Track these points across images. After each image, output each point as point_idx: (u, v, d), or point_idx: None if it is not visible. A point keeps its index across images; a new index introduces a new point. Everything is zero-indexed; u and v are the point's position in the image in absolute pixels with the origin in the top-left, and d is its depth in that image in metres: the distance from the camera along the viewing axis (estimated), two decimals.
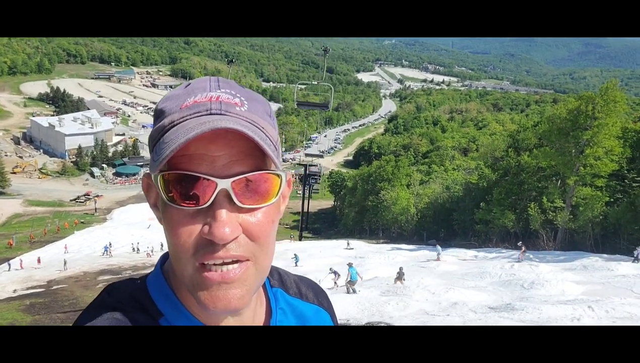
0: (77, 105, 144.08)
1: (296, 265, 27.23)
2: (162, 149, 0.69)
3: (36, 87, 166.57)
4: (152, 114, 0.83)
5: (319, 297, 1.07)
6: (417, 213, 55.98)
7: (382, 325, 13.01)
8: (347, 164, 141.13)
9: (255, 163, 0.73)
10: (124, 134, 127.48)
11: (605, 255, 26.72)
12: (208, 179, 0.70)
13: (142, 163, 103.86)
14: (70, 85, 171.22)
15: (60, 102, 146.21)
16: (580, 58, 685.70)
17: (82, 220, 66.71)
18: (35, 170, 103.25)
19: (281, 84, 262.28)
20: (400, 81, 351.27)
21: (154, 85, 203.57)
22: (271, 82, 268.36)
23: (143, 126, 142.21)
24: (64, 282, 27.76)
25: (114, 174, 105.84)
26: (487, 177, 45.80)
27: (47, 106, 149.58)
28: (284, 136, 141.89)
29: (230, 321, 0.83)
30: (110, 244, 39.96)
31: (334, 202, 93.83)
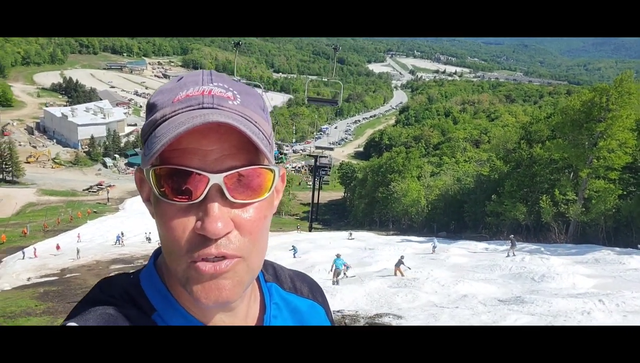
0: (90, 96, 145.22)
1: (294, 257, 27.28)
2: (154, 143, 0.69)
3: (49, 77, 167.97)
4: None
5: (314, 292, 1.06)
6: (428, 205, 55.82)
7: (391, 316, 13.06)
8: (357, 155, 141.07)
9: (248, 157, 0.72)
10: (135, 125, 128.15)
11: (617, 249, 26.51)
12: (200, 174, 0.69)
13: None
14: (83, 76, 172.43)
15: (73, 93, 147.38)
16: (595, 49, 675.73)
17: (94, 210, 67.48)
18: (48, 160, 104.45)
19: (292, 75, 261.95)
20: (411, 72, 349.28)
21: (165, 76, 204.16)
22: (282, 73, 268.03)
23: None
24: (77, 270, 28.11)
25: (126, 164, 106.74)
26: (498, 169, 45.48)
27: (60, 96, 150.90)
28: (294, 127, 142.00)
29: (223, 315, 0.82)
30: (122, 234, 40.35)
31: (344, 193, 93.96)
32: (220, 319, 0.83)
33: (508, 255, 24.50)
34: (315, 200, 51.90)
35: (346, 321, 12.94)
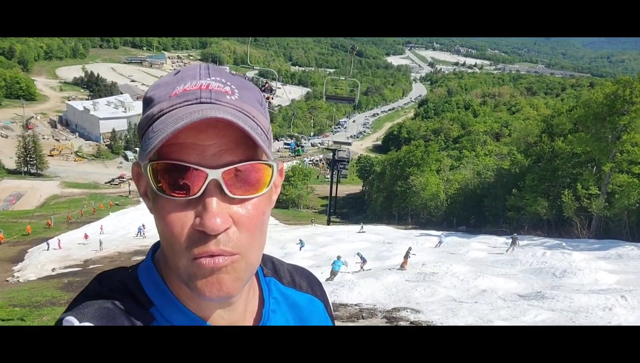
0: (111, 90, 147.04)
1: (300, 251, 27.42)
2: (151, 138, 0.68)
3: (71, 71, 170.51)
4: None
5: (313, 287, 1.05)
6: (447, 199, 55.44)
7: (408, 310, 13.04)
8: (375, 148, 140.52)
9: (246, 153, 0.72)
10: None
11: None
12: (198, 169, 0.69)
13: None
14: (104, 70, 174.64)
15: (95, 86, 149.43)
16: (619, 41, 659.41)
17: (116, 202, 68.46)
18: (71, 153, 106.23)
19: (310, 68, 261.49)
20: (431, 64, 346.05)
21: None
22: (300, 66, 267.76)
23: None
24: (100, 261, 28.62)
25: None
26: (519, 162, 44.93)
27: (82, 90, 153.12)
28: (312, 120, 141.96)
29: (222, 310, 0.82)
30: (143, 226, 40.85)
31: (363, 187, 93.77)
32: (219, 314, 0.82)
33: (507, 251, 24.60)
34: (334, 194, 51.88)
35: (363, 314, 12.97)
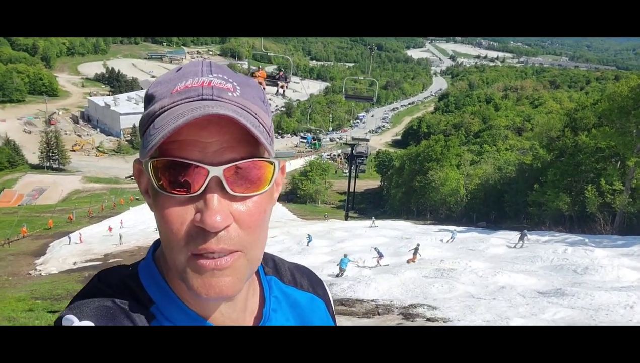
0: (131, 85, 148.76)
1: (308, 246, 27.38)
2: (152, 135, 0.68)
3: (93, 67, 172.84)
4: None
5: (314, 286, 1.05)
6: (467, 194, 54.83)
7: (425, 306, 12.91)
8: (394, 143, 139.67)
9: (248, 150, 0.71)
10: None
11: None
12: (199, 166, 0.68)
13: None
14: (124, 66, 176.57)
15: (115, 82, 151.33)
16: None
17: (136, 197, 69.29)
18: (92, 148, 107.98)
19: (329, 62, 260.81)
20: (452, 58, 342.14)
21: None
22: (319, 61, 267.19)
23: None
24: (120, 255, 29.02)
25: None
26: (541, 157, 44.16)
27: (103, 86, 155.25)
28: (330, 115, 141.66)
29: (222, 308, 0.82)
30: None
31: (381, 182, 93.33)
32: (219, 312, 0.82)
33: (515, 246, 24.49)
34: (352, 189, 51.80)
35: (380, 310, 12.89)
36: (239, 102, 0.71)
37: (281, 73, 26.93)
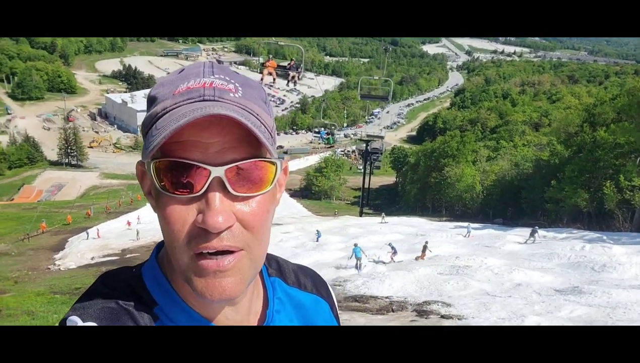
0: (148, 82, 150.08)
1: (317, 241, 27.34)
2: (154, 136, 0.68)
3: (110, 64, 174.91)
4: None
5: (318, 287, 1.05)
6: (483, 190, 54.37)
7: (439, 304, 12.85)
8: (410, 139, 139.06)
9: (250, 150, 0.71)
10: None
11: None
12: (201, 167, 0.68)
13: None
14: (141, 63, 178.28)
15: (132, 79, 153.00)
16: None
17: None
18: (110, 144, 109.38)
19: (344, 58, 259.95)
20: (468, 53, 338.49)
21: (219, 62, 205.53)
22: (333, 57, 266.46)
23: None
24: (137, 250, 29.35)
25: None
26: (559, 153, 43.62)
27: (120, 83, 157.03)
28: (345, 111, 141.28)
29: (226, 310, 0.82)
30: None
31: (396, 178, 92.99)
32: (223, 314, 0.82)
33: (526, 242, 24.44)
34: (366, 185, 51.67)
35: (394, 307, 12.86)
36: (240, 102, 0.71)
37: (292, 62, 26.60)
